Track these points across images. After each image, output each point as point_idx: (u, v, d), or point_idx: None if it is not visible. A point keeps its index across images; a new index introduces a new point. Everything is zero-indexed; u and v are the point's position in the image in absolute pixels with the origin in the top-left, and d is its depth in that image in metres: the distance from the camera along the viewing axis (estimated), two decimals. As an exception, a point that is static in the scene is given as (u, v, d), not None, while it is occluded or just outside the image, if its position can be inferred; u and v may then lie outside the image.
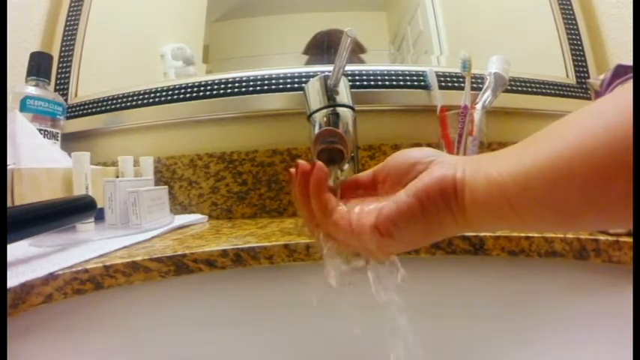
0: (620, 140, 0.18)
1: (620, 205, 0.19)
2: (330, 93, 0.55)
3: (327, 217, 0.29)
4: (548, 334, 0.43)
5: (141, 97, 0.77)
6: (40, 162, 0.56)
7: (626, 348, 0.33)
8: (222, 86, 0.74)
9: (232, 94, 0.73)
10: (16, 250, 0.42)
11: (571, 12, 0.87)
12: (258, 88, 0.73)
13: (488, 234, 0.43)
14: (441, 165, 0.27)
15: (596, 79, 0.74)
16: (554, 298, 0.43)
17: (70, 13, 0.86)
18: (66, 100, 0.80)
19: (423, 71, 0.74)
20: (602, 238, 0.40)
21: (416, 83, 0.74)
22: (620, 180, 0.19)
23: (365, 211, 0.29)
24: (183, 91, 0.75)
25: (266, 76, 0.74)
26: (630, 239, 0.39)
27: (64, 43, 0.84)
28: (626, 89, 0.20)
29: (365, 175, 0.33)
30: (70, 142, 0.75)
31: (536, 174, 0.22)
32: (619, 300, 0.40)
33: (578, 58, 0.85)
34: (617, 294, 0.41)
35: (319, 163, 0.29)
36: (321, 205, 0.29)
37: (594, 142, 0.19)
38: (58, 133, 0.71)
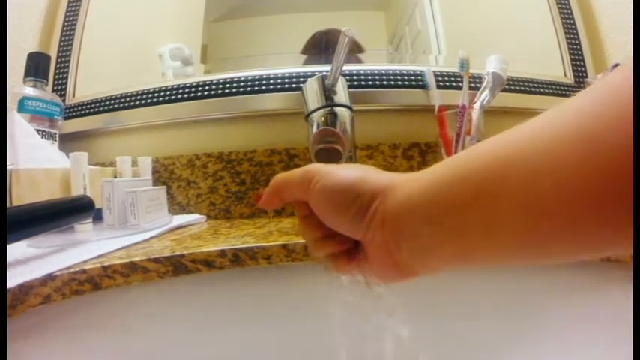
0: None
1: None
2: (327, 93, 0.55)
3: None
4: (548, 333, 0.43)
5: (139, 97, 0.77)
6: (38, 163, 0.56)
7: (626, 347, 0.34)
8: (221, 86, 0.74)
9: (230, 94, 0.73)
10: (14, 250, 0.42)
11: (569, 11, 0.87)
12: (257, 88, 0.73)
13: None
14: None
15: (594, 78, 0.74)
16: (554, 298, 0.43)
17: (68, 14, 0.86)
18: (64, 100, 0.80)
19: (421, 71, 0.75)
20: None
21: (414, 83, 0.74)
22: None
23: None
24: (181, 91, 0.75)
25: (264, 76, 0.74)
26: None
27: (61, 44, 0.84)
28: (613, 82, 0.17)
29: (296, 180, 0.29)
30: (68, 142, 0.75)
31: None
32: (619, 300, 0.40)
33: (577, 58, 0.85)
34: (616, 294, 0.41)
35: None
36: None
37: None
38: (55, 133, 0.71)
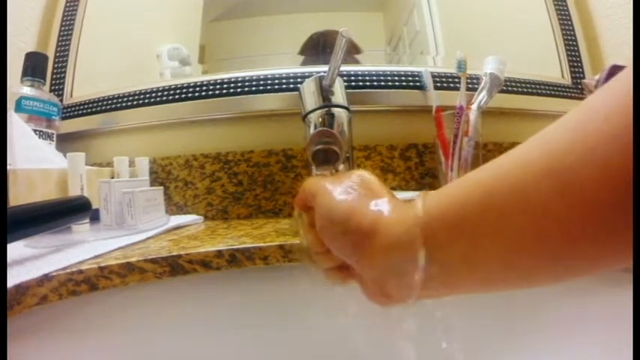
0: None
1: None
2: (325, 93, 0.55)
3: None
4: (547, 334, 0.43)
5: (136, 97, 0.77)
6: (35, 163, 0.56)
7: (626, 348, 0.34)
8: (218, 86, 0.74)
9: (228, 94, 0.73)
10: (11, 251, 0.42)
11: (566, 12, 0.88)
12: (254, 88, 0.73)
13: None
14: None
15: (591, 79, 0.74)
16: (553, 298, 0.43)
17: (66, 13, 0.86)
18: (61, 100, 0.80)
19: (419, 72, 0.75)
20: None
21: (412, 84, 0.74)
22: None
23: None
24: (179, 91, 0.75)
25: (262, 77, 0.74)
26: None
27: (59, 43, 0.84)
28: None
29: (308, 191, 0.30)
30: (66, 142, 0.75)
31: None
32: (618, 300, 0.40)
33: (574, 59, 0.86)
34: (616, 294, 0.41)
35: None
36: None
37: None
38: (53, 133, 0.70)
